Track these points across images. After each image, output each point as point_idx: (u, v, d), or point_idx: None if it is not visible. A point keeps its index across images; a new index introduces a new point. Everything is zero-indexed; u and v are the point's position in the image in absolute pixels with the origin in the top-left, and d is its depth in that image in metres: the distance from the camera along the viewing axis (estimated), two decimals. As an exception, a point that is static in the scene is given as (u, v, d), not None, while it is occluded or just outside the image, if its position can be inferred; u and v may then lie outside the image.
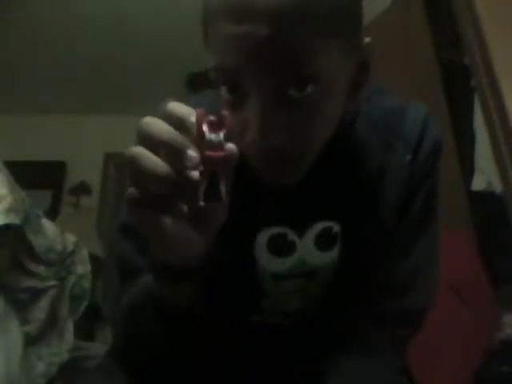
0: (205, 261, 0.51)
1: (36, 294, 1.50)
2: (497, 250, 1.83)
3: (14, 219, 1.39)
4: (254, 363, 0.72)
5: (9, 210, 1.38)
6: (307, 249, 0.65)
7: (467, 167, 1.92)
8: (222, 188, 0.43)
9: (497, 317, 1.72)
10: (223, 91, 0.51)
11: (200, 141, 0.42)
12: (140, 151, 0.42)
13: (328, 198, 0.65)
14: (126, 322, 0.64)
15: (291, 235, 0.65)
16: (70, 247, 1.72)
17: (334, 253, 0.66)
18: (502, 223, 1.54)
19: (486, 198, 1.85)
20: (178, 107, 0.44)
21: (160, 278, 0.52)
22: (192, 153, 0.41)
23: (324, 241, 0.65)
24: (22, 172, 1.62)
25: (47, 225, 1.63)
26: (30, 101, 3.06)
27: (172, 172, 0.42)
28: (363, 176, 0.65)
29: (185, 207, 0.46)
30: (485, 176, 1.85)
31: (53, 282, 1.56)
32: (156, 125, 0.43)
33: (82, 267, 1.76)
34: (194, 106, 0.45)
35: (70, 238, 1.75)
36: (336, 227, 0.65)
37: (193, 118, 0.43)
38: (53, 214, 2.83)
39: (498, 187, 1.72)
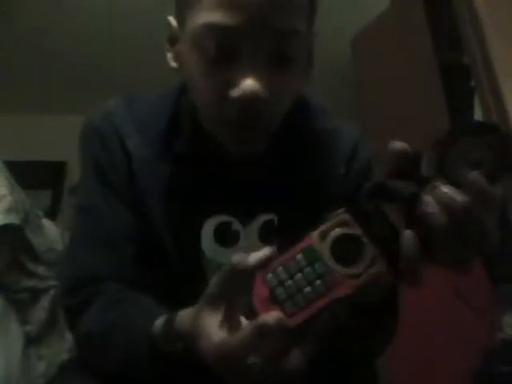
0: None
1: (36, 293, 1.50)
2: (496, 250, 1.83)
3: (13, 219, 1.39)
4: None
5: (9, 210, 1.38)
6: (251, 240, 0.65)
7: (467, 167, 1.91)
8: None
9: (497, 317, 1.72)
10: (209, 49, 0.51)
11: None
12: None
13: (271, 192, 0.66)
14: (105, 352, 0.59)
15: (236, 225, 0.65)
16: (70, 247, 1.71)
17: None
18: (502, 223, 1.53)
19: (486, 198, 1.85)
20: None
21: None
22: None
23: (267, 234, 0.65)
24: (22, 172, 1.62)
25: (47, 225, 1.63)
26: (30, 101, 3.05)
27: None
28: (303, 178, 0.68)
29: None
30: (485, 176, 1.85)
31: (53, 282, 1.55)
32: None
33: (82, 267, 1.76)
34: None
35: (70, 238, 1.74)
36: (277, 221, 0.66)
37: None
38: (53, 214, 2.82)
39: (497, 187, 1.72)
